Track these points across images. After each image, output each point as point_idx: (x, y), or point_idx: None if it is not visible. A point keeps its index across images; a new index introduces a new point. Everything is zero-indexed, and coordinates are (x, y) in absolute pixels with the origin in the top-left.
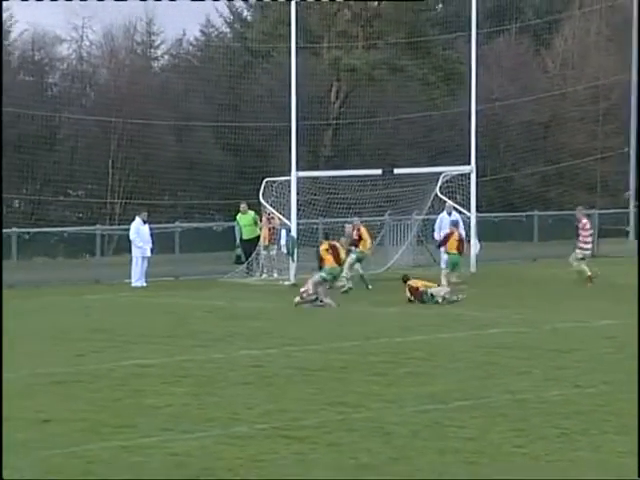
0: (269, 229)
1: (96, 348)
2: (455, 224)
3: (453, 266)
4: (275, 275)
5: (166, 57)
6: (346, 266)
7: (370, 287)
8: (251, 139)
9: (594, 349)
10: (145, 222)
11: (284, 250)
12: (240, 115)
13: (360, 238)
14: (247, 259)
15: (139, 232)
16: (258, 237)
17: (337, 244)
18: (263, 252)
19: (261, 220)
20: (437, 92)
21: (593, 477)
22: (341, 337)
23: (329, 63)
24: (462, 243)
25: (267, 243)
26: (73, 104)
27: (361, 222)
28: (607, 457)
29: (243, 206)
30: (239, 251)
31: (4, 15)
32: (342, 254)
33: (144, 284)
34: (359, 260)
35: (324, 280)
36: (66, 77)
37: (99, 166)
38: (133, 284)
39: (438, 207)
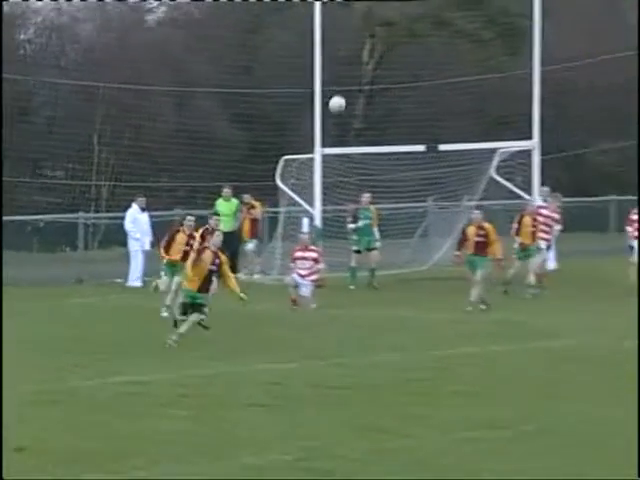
0: (251, 220)
1: (80, 362)
2: None
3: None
4: (255, 276)
5: (163, 8)
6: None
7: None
8: (266, 108)
9: None
10: (143, 210)
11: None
12: (253, 79)
13: None
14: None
15: (136, 221)
16: (237, 232)
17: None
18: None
19: (242, 211)
20: (492, 51)
21: None
22: (373, 348)
23: (361, 15)
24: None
25: (247, 237)
26: (50, 65)
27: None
28: None
29: (226, 190)
30: None
31: None
32: None
33: (141, 284)
34: None
35: None
36: (42, 32)
37: (82, 141)
38: (128, 283)
39: (494, 192)
